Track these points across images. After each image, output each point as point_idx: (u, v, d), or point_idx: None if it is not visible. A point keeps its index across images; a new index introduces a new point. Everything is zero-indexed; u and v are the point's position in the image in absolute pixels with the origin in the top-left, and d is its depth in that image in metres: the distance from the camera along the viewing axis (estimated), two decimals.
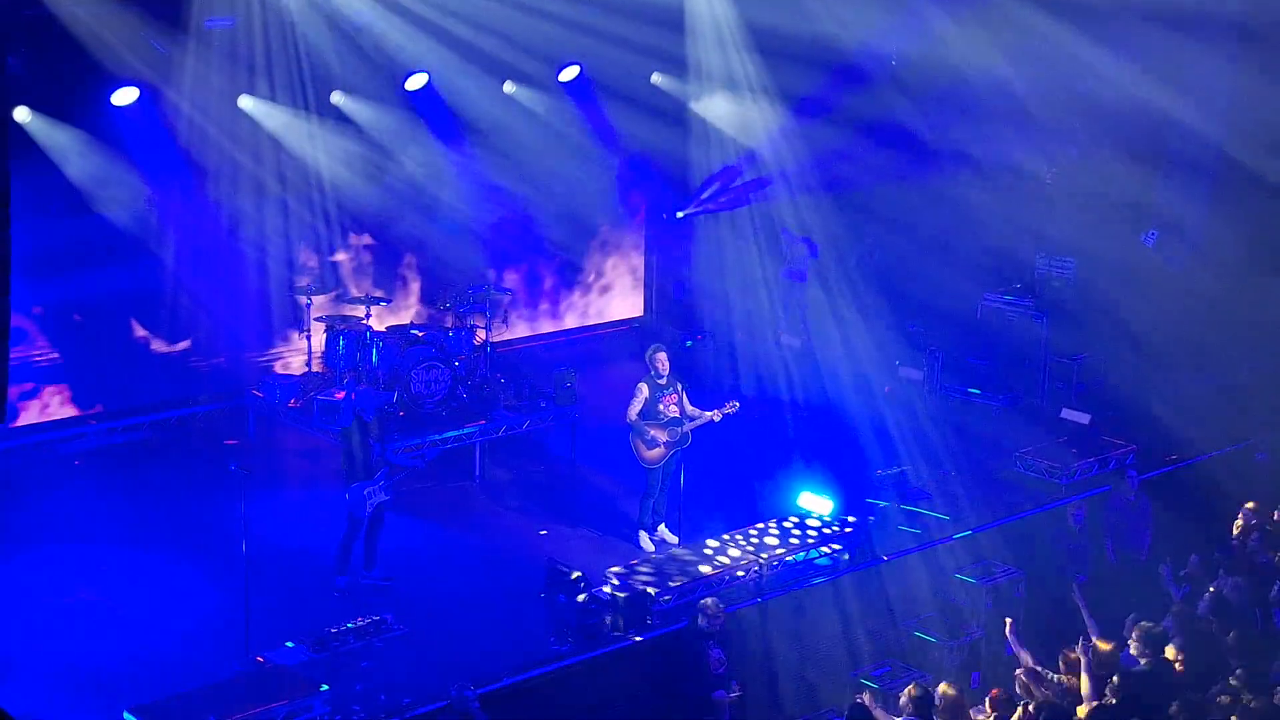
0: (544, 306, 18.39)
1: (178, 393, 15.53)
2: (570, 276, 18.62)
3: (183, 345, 15.60)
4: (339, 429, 12.84)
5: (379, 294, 15.94)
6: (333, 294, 16.11)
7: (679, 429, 12.83)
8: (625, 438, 13.01)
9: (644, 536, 13.10)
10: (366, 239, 16.64)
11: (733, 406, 13.04)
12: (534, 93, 17.18)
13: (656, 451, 12.84)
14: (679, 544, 13.11)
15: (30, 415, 14.61)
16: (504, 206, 17.45)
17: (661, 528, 13.22)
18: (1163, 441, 15.47)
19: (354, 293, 16.12)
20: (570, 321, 18.62)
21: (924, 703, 10.03)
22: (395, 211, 16.71)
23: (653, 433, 12.77)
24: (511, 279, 17.73)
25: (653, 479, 12.99)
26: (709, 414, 12.93)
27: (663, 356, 12.87)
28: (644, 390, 12.83)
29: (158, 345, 15.48)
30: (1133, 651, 10.53)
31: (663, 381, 12.86)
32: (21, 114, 13.78)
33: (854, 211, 18.64)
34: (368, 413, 12.20)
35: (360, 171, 16.19)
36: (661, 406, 12.82)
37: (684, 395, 12.96)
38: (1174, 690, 10.08)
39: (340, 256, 16.45)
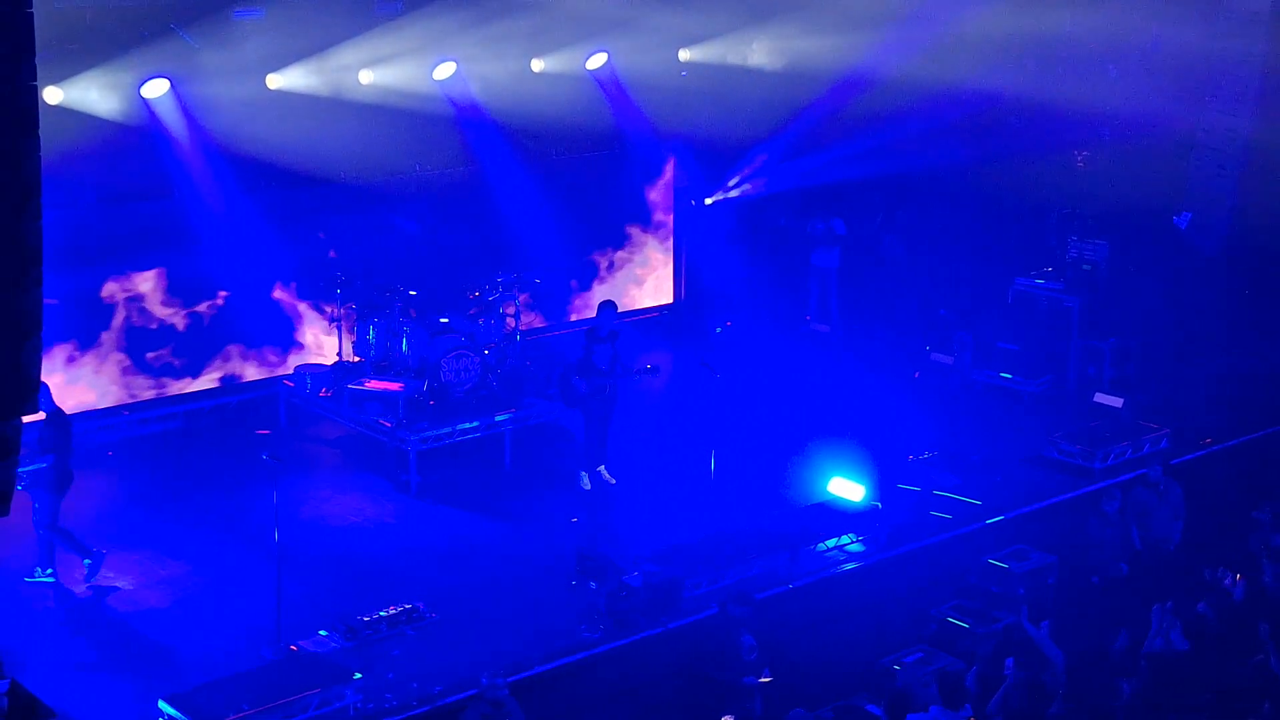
0: (573, 294, 18.36)
1: (209, 382, 15.61)
2: (599, 264, 18.59)
3: (214, 334, 15.65)
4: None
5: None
6: (362, 284, 16.09)
7: (604, 382, 13.88)
8: (656, 425, 13.51)
9: (584, 476, 14.08)
10: (393, 226, 16.63)
11: (649, 367, 14.05)
12: (561, 75, 17.12)
13: (578, 398, 13.92)
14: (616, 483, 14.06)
15: (62, 406, 14.62)
16: (532, 193, 17.41)
17: (601, 469, 14.05)
18: (1197, 426, 15.32)
19: (381, 283, 16.10)
20: None
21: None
22: (423, 198, 16.73)
23: (576, 381, 13.88)
24: (540, 266, 17.67)
25: (584, 421, 14.06)
26: (633, 372, 14.04)
27: (605, 314, 14.05)
28: (584, 342, 14.03)
29: (189, 334, 15.53)
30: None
31: (602, 336, 13.86)
32: (53, 94, 13.66)
33: (884, 194, 18.55)
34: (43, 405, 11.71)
35: (386, 159, 16.19)
36: (595, 359, 13.87)
37: (619, 352, 14.05)
38: (1206, 676, 10.02)
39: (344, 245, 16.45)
